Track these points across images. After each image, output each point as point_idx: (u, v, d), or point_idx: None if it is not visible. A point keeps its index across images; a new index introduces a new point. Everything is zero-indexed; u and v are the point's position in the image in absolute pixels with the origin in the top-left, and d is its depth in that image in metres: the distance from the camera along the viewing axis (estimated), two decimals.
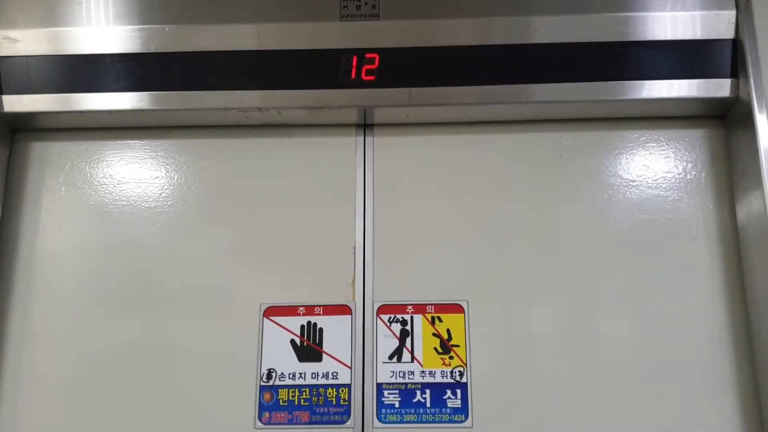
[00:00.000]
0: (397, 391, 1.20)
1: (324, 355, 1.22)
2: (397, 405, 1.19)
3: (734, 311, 1.22)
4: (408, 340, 1.23)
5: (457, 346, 1.22)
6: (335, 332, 1.23)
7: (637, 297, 1.24)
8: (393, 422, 1.18)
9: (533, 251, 1.27)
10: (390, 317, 1.24)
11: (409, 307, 1.24)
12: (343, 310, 1.25)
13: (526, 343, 1.22)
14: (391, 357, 1.22)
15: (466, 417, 1.18)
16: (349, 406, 1.19)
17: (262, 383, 1.21)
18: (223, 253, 1.29)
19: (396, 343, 1.23)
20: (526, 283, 1.25)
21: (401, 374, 1.21)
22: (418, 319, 1.24)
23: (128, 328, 1.26)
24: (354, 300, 1.25)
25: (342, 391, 1.20)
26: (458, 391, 1.19)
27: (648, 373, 1.20)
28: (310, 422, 1.19)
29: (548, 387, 1.20)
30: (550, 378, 1.20)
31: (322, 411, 1.19)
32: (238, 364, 1.23)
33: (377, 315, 1.24)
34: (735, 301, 1.22)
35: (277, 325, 1.24)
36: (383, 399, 1.19)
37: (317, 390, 1.20)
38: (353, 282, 1.26)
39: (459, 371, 1.20)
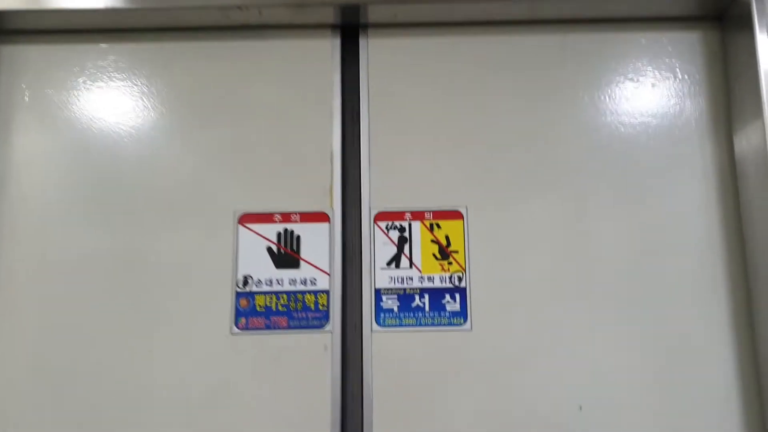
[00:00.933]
0: (395, 296, 1.18)
1: (302, 261, 1.19)
2: (395, 309, 1.17)
3: (727, 216, 1.22)
4: (406, 247, 1.20)
5: (456, 252, 1.20)
6: (313, 239, 1.20)
7: (633, 199, 1.23)
8: (392, 326, 1.17)
9: (531, 155, 1.24)
10: (387, 224, 1.21)
11: (407, 213, 1.21)
12: (320, 217, 1.21)
13: (524, 248, 1.21)
14: (389, 263, 1.19)
15: (465, 320, 1.17)
16: (327, 311, 1.17)
17: (238, 290, 1.18)
18: (197, 159, 1.24)
19: (394, 250, 1.20)
20: (525, 188, 1.23)
21: (400, 280, 1.19)
22: (416, 225, 1.21)
23: (100, 236, 1.21)
24: (332, 207, 1.21)
25: (321, 296, 1.18)
26: (457, 296, 1.18)
27: (642, 278, 1.20)
28: (288, 327, 1.17)
29: (545, 290, 1.19)
30: (547, 282, 1.20)
31: (300, 316, 1.17)
32: (213, 270, 1.19)
33: (374, 222, 1.21)
34: (728, 204, 1.23)
35: (252, 232, 1.20)
36: (381, 303, 1.18)
37: (295, 296, 1.18)
38: (331, 189, 1.22)
39: (458, 276, 1.19)
